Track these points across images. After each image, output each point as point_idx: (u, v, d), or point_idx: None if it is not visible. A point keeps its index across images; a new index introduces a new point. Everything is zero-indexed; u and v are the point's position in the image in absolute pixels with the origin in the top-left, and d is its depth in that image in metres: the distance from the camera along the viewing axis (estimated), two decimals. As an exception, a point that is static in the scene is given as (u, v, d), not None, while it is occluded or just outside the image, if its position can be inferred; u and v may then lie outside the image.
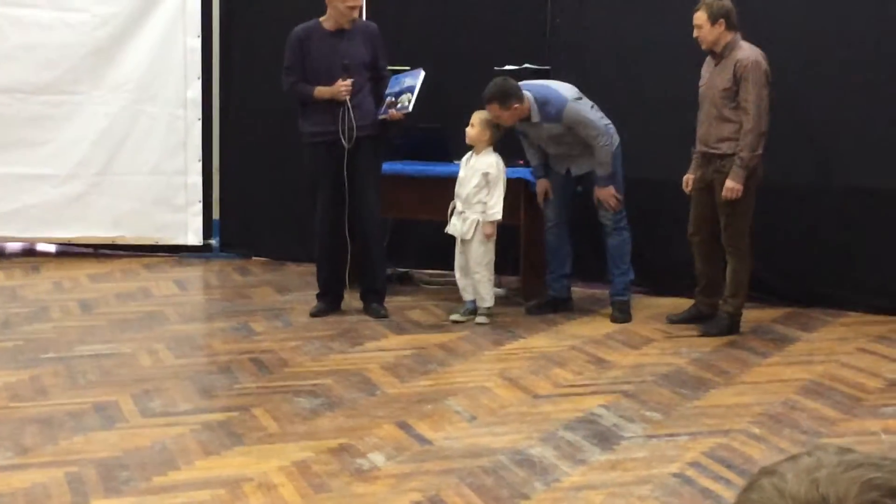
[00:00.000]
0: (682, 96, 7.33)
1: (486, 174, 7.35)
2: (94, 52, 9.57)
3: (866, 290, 7.74)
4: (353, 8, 7.35)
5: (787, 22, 7.78)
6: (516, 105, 7.25)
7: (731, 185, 6.89)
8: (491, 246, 7.43)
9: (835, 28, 7.68)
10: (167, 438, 5.19)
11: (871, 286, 7.72)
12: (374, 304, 7.65)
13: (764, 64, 6.95)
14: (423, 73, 7.51)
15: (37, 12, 9.53)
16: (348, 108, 7.33)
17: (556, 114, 7.31)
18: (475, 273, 7.43)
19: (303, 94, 7.44)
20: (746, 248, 7.09)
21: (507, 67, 7.95)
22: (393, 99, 7.46)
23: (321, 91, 7.36)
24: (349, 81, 7.32)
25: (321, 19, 7.46)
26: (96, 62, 9.59)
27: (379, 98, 7.53)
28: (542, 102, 7.33)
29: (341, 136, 7.34)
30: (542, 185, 7.64)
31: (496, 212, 7.35)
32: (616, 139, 7.39)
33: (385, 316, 7.56)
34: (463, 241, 7.43)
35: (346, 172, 7.38)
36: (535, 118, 7.35)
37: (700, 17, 7.01)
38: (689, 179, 7.26)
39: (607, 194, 7.38)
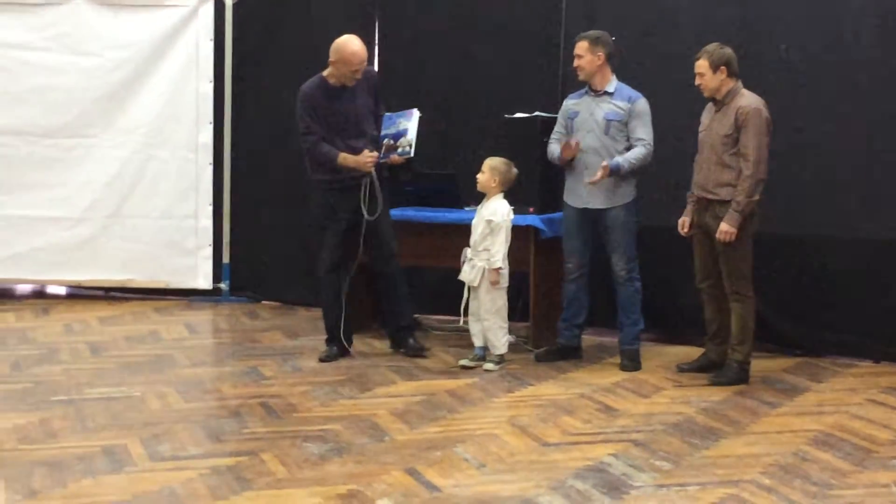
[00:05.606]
0: (689, 143, 7.36)
1: (489, 221, 7.37)
2: (106, 96, 9.64)
3: (878, 340, 7.73)
4: (357, 71, 7.38)
5: (804, 72, 7.83)
6: (601, 53, 7.36)
7: (726, 228, 6.94)
8: (501, 293, 7.43)
9: (849, 78, 7.73)
10: (176, 483, 5.17)
11: (883, 335, 7.71)
12: (409, 340, 7.74)
13: (765, 112, 7.00)
14: (417, 114, 7.54)
15: (50, 56, 9.61)
16: (374, 180, 7.38)
17: (631, 97, 7.40)
18: (485, 320, 7.43)
19: (326, 156, 7.43)
20: (749, 292, 7.10)
21: (518, 115, 7.98)
22: (392, 142, 7.48)
23: (345, 159, 7.39)
24: (375, 154, 7.37)
25: (325, 74, 7.49)
26: (108, 106, 9.65)
27: (375, 139, 7.58)
28: (623, 86, 7.46)
29: (362, 207, 7.39)
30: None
31: (496, 260, 7.35)
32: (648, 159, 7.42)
33: (425, 350, 7.67)
34: (472, 288, 7.44)
35: (361, 219, 7.44)
36: (611, 88, 7.43)
37: (702, 64, 7.07)
38: (684, 222, 7.28)
39: (605, 172, 7.27)
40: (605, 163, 7.29)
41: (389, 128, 7.58)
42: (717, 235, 6.98)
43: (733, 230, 6.94)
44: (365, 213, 7.43)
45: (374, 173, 7.41)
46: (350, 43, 7.39)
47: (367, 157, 7.38)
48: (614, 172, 7.29)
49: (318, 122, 7.42)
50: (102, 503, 4.90)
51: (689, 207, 7.28)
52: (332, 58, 7.40)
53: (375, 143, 7.53)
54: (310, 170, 7.58)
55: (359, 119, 7.49)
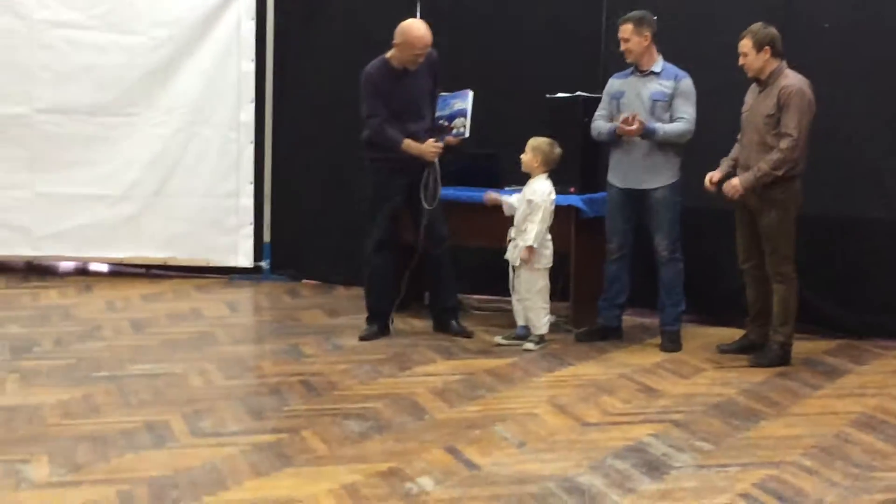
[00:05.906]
0: (732, 124, 7.32)
1: (529, 201, 7.36)
2: (149, 75, 9.68)
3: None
4: (420, 56, 7.36)
5: (849, 51, 7.76)
6: (647, 33, 7.34)
7: (735, 184, 6.99)
8: (543, 273, 7.42)
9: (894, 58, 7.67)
10: (217, 458, 5.21)
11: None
12: (452, 322, 7.75)
13: (808, 93, 6.94)
14: (471, 94, 7.52)
15: (95, 34, 9.66)
16: (435, 170, 7.38)
17: (678, 76, 7.39)
18: (526, 300, 7.43)
19: (390, 140, 7.40)
20: (792, 273, 7.07)
21: (560, 95, 7.96)
22: (446, 123, 7.47)
23: (409, 145, 7.38)
24: (440, 145, 7.37)
25: (387, 56, 7.47)
26: (151, 84, 9.69)
27: (440, 126, 7.58)
28: (670, 65, 7.44)
29: (422, 198, 7.40)
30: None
31: (529, 238, 7.33)
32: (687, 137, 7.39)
33: (467, 334, 7.65)
34: (515, 267, 7.44)
35: (416, 199, 7.47)
36: (657, 68, 7.40)
37: (746, 44, 7.02)
38: (712, 176, 7.23)
39: (640, 127, 7.26)
40: (642, 118, 7.28)
41: (443, 109, 7.58)
42: (724, 188, 7.03)
43: (740, 189, 6.96)
44: (425, 203, 7.43)
45: (436, 163, 7.40)
46: (415, 27, 7.36)
47: (432, 148, 7.37)
48: (647, 134, 7.28)
49: (382, 105, 7.40)
50: (144, 478, 4.94)
51: (722, 167, 7.24)
52: (396, 40, 7.38)
53: (439, 129, 7.51)
54: (367, 150, 7.56)
55: (419, 102, 7.48)
